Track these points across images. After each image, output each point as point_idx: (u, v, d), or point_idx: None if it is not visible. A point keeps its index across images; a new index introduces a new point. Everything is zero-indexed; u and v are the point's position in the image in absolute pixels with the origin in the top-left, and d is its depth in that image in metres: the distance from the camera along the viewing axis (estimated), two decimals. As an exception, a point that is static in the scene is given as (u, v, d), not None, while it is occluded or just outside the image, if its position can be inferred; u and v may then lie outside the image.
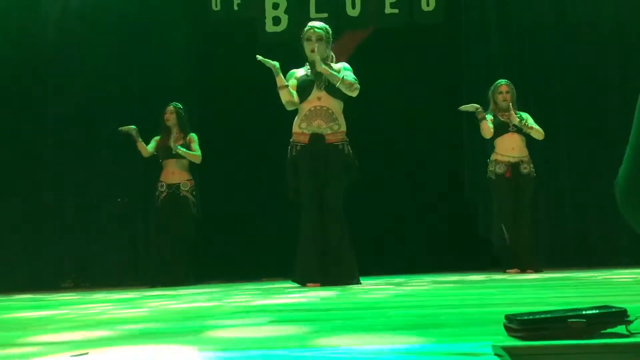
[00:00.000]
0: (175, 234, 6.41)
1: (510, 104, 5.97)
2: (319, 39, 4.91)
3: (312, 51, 4.87)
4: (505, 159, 6.01)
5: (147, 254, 7.17)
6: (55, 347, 1.71)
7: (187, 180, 6.48)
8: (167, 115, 6.51)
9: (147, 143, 6.52)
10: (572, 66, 7.21)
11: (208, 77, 7.53)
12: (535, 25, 7.33)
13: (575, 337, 1.43)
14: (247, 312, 2.70)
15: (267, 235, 7.27)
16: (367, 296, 3.48)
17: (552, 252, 6.92)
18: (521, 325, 1.49)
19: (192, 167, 6.58)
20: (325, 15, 7.13)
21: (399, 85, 7.39)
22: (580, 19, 7.26)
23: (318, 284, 4.67)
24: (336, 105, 4.92)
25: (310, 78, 4.92)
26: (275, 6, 7.51)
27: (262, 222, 7.38)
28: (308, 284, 4.67)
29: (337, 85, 4.81)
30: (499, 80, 6.15)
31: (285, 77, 4.93)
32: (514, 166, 6.00)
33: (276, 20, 7.51)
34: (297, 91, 4.92)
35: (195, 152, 6.43)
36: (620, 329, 1.49)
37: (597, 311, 1.50)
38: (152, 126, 6.60)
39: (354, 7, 7.48)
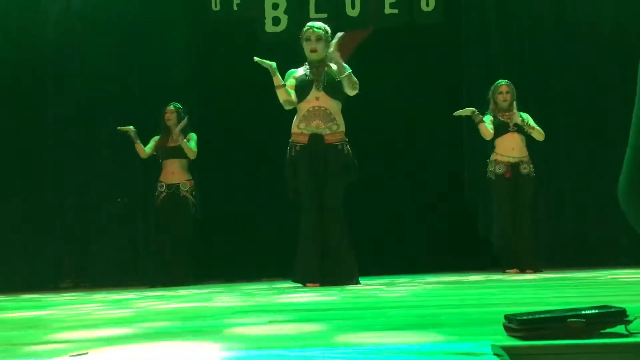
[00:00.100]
0: (175, 234, 6.41)
1: (512, 103, 5.98)
2: (319, 38, 4.92)
3: (313, 51, 4.88)
4: (505, 159, 6.01)
5: (147, 254, 7.17)
6: (55, 347, 1.71)
7: (187, 181, 6.49)
8: (167, 115, 6.53)
9: (146, 143, 6.53)
10: (572, 66, 7.21)
11: (208, 77, 7.53)
12: (535, 25, 7.32)
13: (575, 337, 1.43)
14: (247, 312, 2.71)
15: (267, 235, 7.27)
16: (367, 296, 3.48)
17: (552, 252, 6.91)
18: (521, 325, 1.49)
19: (191, 167, 6.59)
20: (325, 15, 7.12)
21: (399, 85, 7.38)
22: (580, 19, 7.26)
23: (318, 284, 4.67)
24: (334, 106, 4.92)
25: (309, 78, 4.92)
26: (275, 6, 7.51)
27: (262, 222, 7.38)
28: (308, 284, 4.67)
29: (342, 77, 4.81)
30: (499, 81, 6.15)
31: (284, 76, 4.93)
32: (514, 166, 6.00)
33: (276, 21, 7.51)
34: (295, 91, 4.92)
35: (192, 148, 6.45)
36: (620, 328, 1.49)
37: (597, 311, 1.51)
38: (152, 126, 6.60)
39: (353, 7, 7.48)
